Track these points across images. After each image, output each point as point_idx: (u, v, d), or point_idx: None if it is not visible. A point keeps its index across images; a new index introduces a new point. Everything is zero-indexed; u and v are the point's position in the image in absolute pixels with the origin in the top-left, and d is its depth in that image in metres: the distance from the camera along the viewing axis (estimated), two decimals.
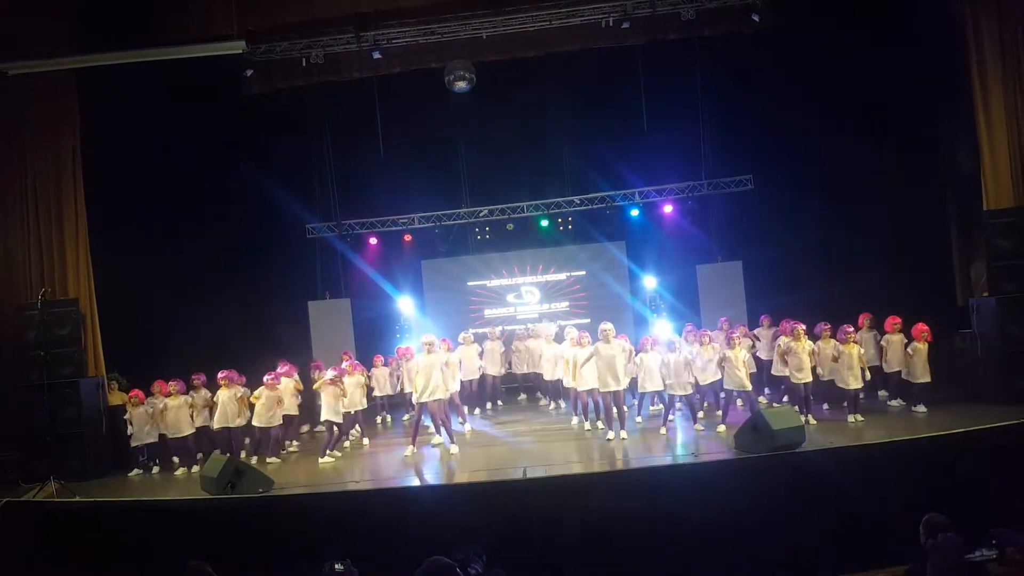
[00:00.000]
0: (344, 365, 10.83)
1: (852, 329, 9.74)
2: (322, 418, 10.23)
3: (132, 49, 9.48)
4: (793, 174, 13.19)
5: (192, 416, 10.30)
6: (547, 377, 11.82)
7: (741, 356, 9.71)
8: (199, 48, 9.47)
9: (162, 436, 10.21)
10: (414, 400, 9.94)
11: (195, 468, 10.03)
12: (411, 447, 9.78)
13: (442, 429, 9.79)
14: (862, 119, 12.41)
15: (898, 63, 11.74)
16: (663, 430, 9.72)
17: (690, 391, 9.74)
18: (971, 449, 7.64)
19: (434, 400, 9.58)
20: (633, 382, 10.21)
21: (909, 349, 9.74)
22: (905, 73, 11.77)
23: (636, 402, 11.01)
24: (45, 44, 9.83)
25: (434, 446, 10.04)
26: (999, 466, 7.36)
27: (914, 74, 11.74)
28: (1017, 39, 10.01)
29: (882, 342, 10.19)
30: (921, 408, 9.55)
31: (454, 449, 9.58)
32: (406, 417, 12.02)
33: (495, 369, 12.65)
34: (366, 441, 10.97)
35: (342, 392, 10.14)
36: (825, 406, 10.14)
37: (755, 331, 11.31)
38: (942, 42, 11.15)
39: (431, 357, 9.68)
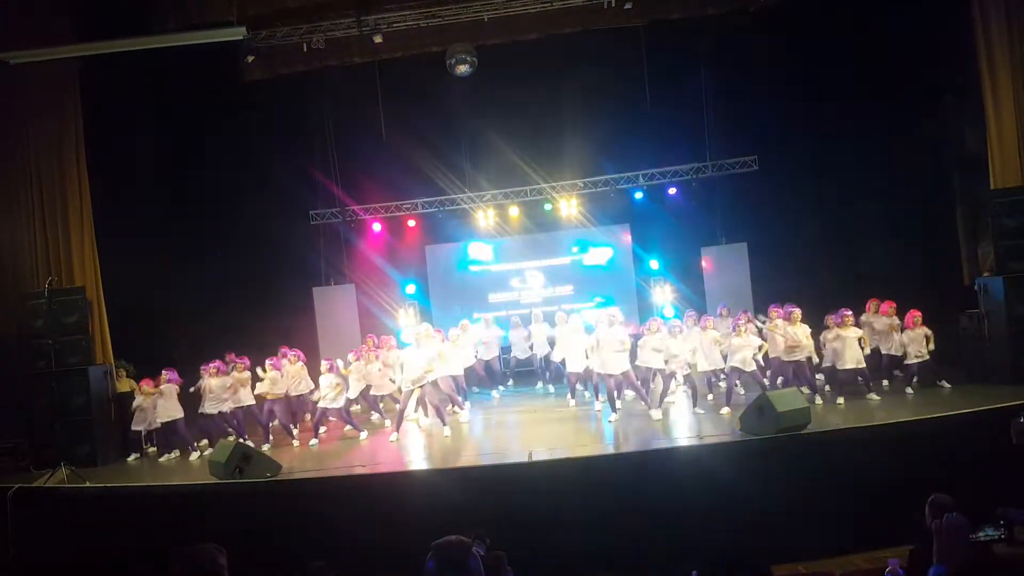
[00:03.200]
0: (350, 357, 10.85)
1: (850, 312, 9.76)
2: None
3: (133, 37, 9.45)
4: (798, 155, 13.12)
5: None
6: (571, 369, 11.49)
7: (746, 340, 9.74)
8: (200, 35, 9.43)
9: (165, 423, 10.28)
10: (403, 387, 10.03)
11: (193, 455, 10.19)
12: (395, 433, 9.94)
13: (434, 413, 10.07)
14: (867, 98, 12.31)
15: (904, 41, 11.63)
16: (657, 413, 9.67)
17: (687, 371, 9.78)
18: (977, 429, 7.64)
19: (425, 386, 9.78)
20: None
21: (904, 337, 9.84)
22: (911, 51, 11.66)
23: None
24: (46, 33, 9.80)
25: (420, 429, 10.40)
26: (1005, 446, 7.36)
27: (920, 52, 11.63)
28: None
29: (904, 337, 10.04)
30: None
31: (447, 431, 9.77)
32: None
33: (491, 354, 12.66)
34: (387, 423, 11.05)
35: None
36: (827, 385, 10.18)
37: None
38: (948, 19, 11.04)
39: (424, 346, 9.82)
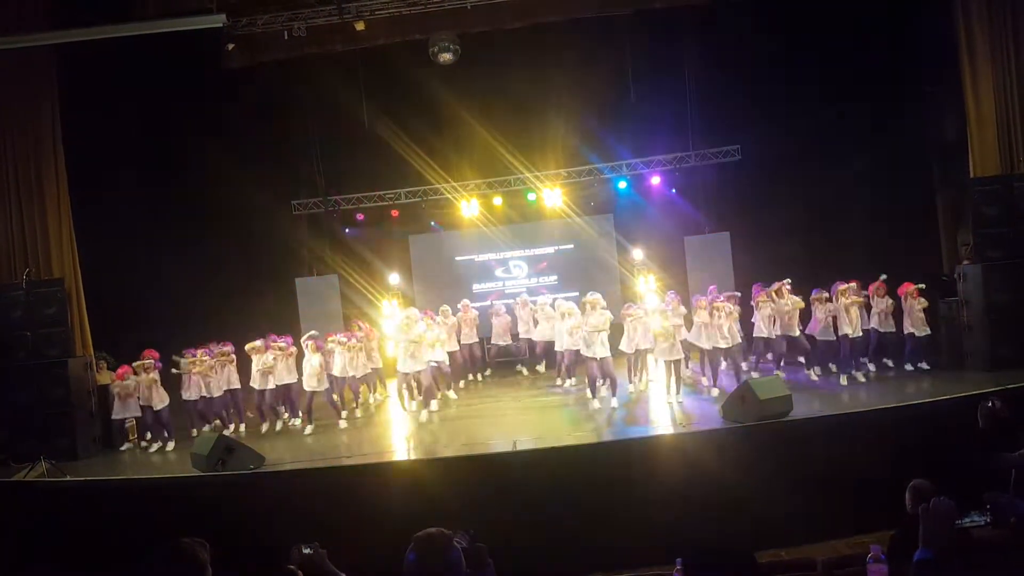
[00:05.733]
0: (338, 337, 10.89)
1: (844, 284, 9.97)
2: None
3: (111, 24, 9.30)
4: (780, 144, 13.16)
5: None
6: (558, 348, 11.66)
7: (722, 320, 9.85)
8: (179, 22, 9.30)
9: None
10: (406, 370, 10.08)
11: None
12: (424, 412, 10.03)
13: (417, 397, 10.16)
14: (849, 87, 12.37)
15: (885, 30, 11.70)
16: (630, 387, 10.31)
17: (677, 356, 9.84)
18: (955, 415, 7.72)
19: (413, 371, 9.85)
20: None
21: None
22: (892, 40, 11.73)
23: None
24: (21, 20, 9.62)
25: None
26: (976, 431, 7.44)
27: (901, 41, 11.70)
28: (1004, 2, 9.95)
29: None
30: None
31: (423, 416, 9.91)
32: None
33: (472, 339, 12.80)
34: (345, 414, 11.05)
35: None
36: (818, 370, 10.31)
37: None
38: (929, 8, 11.11)
39: (412, 331, 9.87)
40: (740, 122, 13.60)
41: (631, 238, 14.87)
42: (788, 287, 10.25)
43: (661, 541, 6.78)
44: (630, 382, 10.77)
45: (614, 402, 9.69)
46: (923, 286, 10.07)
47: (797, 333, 10.10)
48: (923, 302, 9.92)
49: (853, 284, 9.98)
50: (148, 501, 7.89)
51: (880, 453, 7.38)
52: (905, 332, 10.08)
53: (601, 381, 9.82)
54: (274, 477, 8.10)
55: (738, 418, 8.05)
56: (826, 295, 10.08)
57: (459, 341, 12.30)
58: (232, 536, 6.32)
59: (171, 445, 10.06)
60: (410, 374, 9.92)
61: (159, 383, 10.10)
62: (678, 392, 9.79)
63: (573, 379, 11.18)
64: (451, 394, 11.30)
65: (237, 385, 10.71)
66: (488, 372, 13.39)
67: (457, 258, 15.40)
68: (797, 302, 10.06)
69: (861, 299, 9.94)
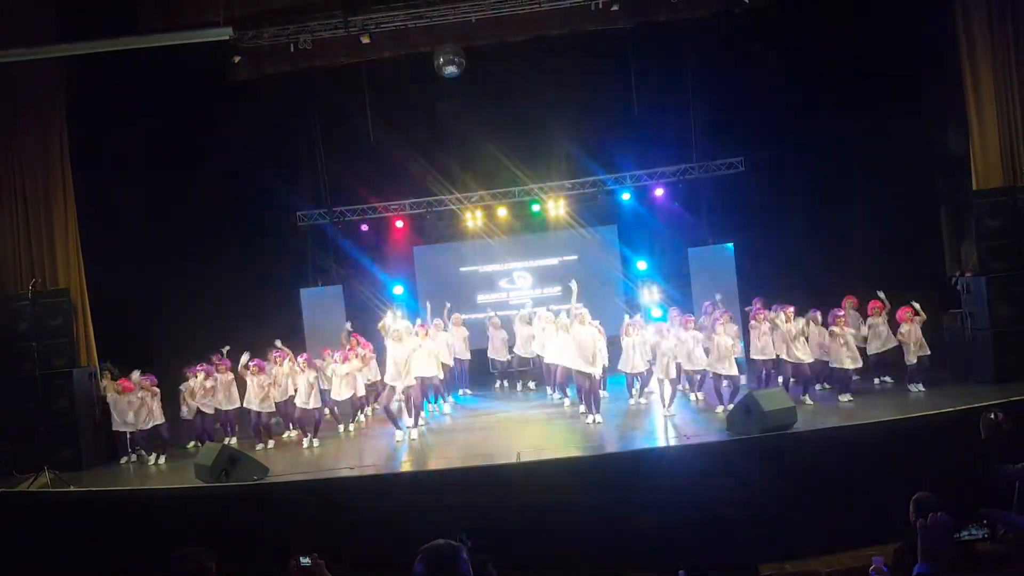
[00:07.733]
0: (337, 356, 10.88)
1: (842, 312, 9.85)
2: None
3: (119, 37, 9.39)
4: (784, 156, 13.19)
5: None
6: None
7: (726, 340, 9.76)
8: (186, 35, 9.38)
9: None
10: (396, 385, 9.89)
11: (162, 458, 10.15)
12: (399, 431, 9.76)
13: (411, 413, 9.89)
14: (852, 100, 12.40)
15: (887, 43, 11.74)
16: (631, 401, 10.44)
17: (672, 375, 9.74)
18: (959, 428, 7.70)
19: (406, 385, 9.64)
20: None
21: (901, 330, 9.83)
22: (894, 53, 11.77)
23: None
24: (31, 32, 9.71)
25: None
26: (978, 442, 7.42)
27: (903, 54, 11.75)
28: (1005, 15, 9.99)
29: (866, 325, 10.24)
30: (918, 388, 9.66)
31: (414, 434, 9.67)
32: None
33: (465, 354, 12.84)
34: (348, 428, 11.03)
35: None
36: (819, 387, 10.26)
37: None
38: (931, 20, 11.16)
39: (404, 343, 9.73)
40: (743, 133, 13.63)
41: (635, 249, 14.88)
42: (792, 310, 10.09)
43: (664, 553, 6.80)
44: (631, 397, 10.76)
45: (598, 417, 9.58)
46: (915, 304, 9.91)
47: (804, 358, 9.89)
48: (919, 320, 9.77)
49: (841, 313, 9.88)
50: (152, 512, 7.90)
51: (884, 465, 7.37)
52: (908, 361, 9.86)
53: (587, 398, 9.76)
54: (277, 488, 8.11)
55: (742, 430, 8.04)
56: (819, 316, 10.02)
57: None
58: (235, 546, 6.34)
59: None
60: (398, 388, 9.77)
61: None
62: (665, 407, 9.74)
63: (568, 397, 11.01)
64: (442, 406, 11.33)
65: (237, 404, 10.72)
66: (467, 392, 13.16)
67: (462, 269, 15.42)
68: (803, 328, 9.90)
69: (847, 328, 9.80)
